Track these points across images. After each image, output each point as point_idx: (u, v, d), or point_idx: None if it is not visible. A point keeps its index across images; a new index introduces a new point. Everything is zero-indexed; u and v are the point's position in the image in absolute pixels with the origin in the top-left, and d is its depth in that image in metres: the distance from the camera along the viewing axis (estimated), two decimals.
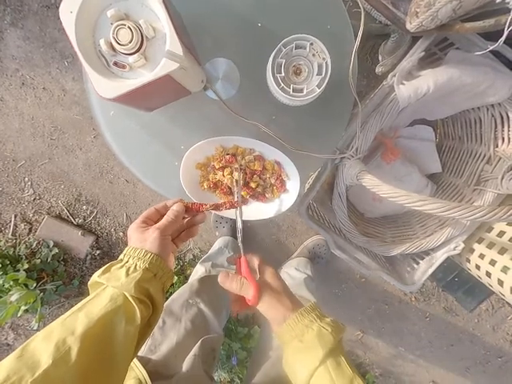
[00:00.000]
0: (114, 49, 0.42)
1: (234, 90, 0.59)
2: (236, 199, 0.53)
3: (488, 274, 0.61)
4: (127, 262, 0.41)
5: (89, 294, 0.40)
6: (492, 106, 0.61)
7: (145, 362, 0.57)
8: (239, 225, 0.51)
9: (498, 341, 1.36)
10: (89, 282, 0.41)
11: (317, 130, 0.61)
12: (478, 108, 0.64)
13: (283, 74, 0.46)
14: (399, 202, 0.50)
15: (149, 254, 0.41)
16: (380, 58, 0.81)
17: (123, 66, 0.43)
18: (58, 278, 1.17)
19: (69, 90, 1.14)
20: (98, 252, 1.22)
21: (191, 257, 1.26)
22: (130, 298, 0.38)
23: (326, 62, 0.46)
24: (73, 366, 0.31)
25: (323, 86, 0.46)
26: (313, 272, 1.17)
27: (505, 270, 0.58)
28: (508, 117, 0.59)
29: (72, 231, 1.20)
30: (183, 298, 0.77)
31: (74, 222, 1.23)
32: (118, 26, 0.41)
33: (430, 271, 0.67)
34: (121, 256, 0.43)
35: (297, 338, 0.40)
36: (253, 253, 0.50)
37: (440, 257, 0.66)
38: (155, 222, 0.47)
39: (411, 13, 0.48)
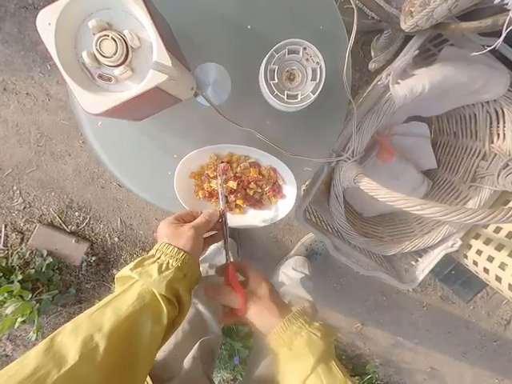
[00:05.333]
0: (97, 61, 0.40)
1: (226, 95, 0.57)
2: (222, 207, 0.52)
3: (486, 271, 0.62)
4: (159, 258, 0.40)
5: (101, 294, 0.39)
6: (487, 102, 0.60)
7: None
8: (226, 233, 0.50)
9: (492, 326, 1.40)
10: (116, 275, 0.40)
11: (312, 134, 0.60)
12: (473, 104, 0.64)
13: (276, 81, 0.45)
14: (397, 206, 0.49)
15: (181, 253, 0.40)
16: (372, 53, 0.79)
17: (109, 79, 0.41)
18: (54, 287, 1.16)
19: (53, 95, 1.10)
20: (93, 258, 1.21)
21: None
22: (158, 297, 0.37)
23: (320, 67, 0.44)
24: (99, 364, 0.31)
25: (318, 91, 0.44)
26: (310, 270, 1.17)
27: (503, 266, 0.58)
28: (503, 113, 0.59)
29: (65, 239, 1.17)
30: None
31: (67, 230, 1.20)
32: (100, 37, 0.38)
33: (429, 269, 0.67)
34: (152, 251, 0.42)
35: (286, 346, 0.39)
36: (245, 258, 0.50)
37: (438, 254, 0.67)
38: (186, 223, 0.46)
39: (405, 12, 0.46)
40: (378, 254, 0.73)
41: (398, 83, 0.56)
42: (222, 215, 0.50)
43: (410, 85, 0.55)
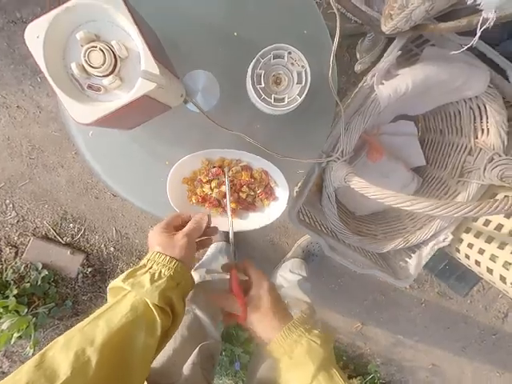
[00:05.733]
0: (86, 72, 0.41)
1: (215, 101, 0.58)
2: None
3: (477, 263, 0.63)
4: (151, 267, 0.40)
5: (102, 302, 0.39)
6: (470, 99, 0.62)
7: None
8: (231, 237, 0.50)
9: (490, 319, 1.41)
10: (108, 286, 0.40)
11: (301, 136, 0.61)
12: (457, 102, 0.65)
13: (263, 85, 0.46)
14: (387, 203, 0.50)
15: (174, 262, 0.40)
16: (358, 55, 0.81)
17: (98, 89, 0.41)
18: (50, 300, 1.14)
19: (44, 107, 1.10)
20: (89, 270, 1.20)
21: None
22: (152, 307, 0.37)
23: (306, 70, 0.45)
24: (91, 378, 0.31)
25: (304, 94, 0.45)
26: (307, 272, 1.18)
27: (493, 258, 0.59)
28: (486, 108, 0.60)
29: (60, 251, 1.16)
30: None
31: (62, 242, 1.19)
32: (88, 48, 0.39)
33: (422, 264, 0.68)
34: (143, 261, 0.42)
35: (286, 355, 0.39)
36: (246, 258, 0.50)
37: (430, 249, 0.68)
38: (177, 227, 0.46)
39: (385, 15, 0.48)
40: (373, 252, 0.74)
41: (383, 84, 0.57)
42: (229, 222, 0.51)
43: (394, 85, 0.56)
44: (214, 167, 0.56)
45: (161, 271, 0.40)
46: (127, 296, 0.37)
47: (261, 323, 0.42)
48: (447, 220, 0.64)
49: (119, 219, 1.21)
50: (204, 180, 0.56)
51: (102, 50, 0.39)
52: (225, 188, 0.56)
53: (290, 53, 0.46)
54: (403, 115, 0.76)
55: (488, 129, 0.62)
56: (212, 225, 0.55)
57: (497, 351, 1.46)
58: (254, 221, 0.59)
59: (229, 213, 0.53)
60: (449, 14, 0.50)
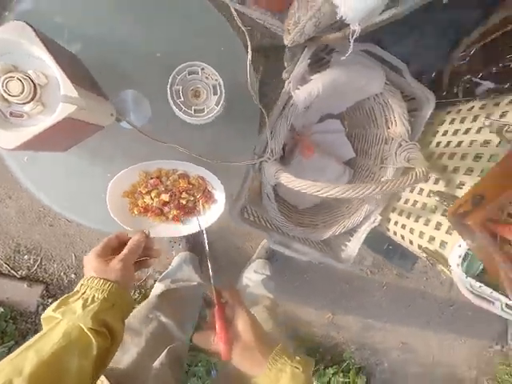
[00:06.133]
0: (7, 100, 0.43)
1: (147, 117, 0.62)
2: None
3: (402, 237, 0.71)
4: (84, 293, 0.41)
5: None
6: (376, 95, 0.71)
7: (109, 375, 0.56)
8: (209, 265, 0.50)
9: (446, 292, 1.54)
10: (42, 316, 0.41)
11: (234, 141, 0.67)
12: (368, 98, 0.75)
13: (182, 99, 0.51)
14: (309, 192, 0.57)
15: (108, 284, 0.41)
16: (285, 64, 0.89)
17: (20, 115, 0.44)
18: (9, 338, 1.09)
19: None
20: (50, 300, 1.16)
21: (152, 282, 1.25)
22: (86, 331, 0.38)
23: (219, 83, 0.51)
24: None
25: (220, 103, 0.51)
26: (271, 271, 1.23)
27: (411, 231, 0.68)
28: (389, 103, 0.70)
29: (16, 285, 1.12)
30: (142, 313, 0.78)
31: (18, 275, 1.15)
32: (6, 78, 0.42)
33: (359, 245, 0.76)
34: (77, 287, 0.42)
35: None
36: (232, 287, 0.49)
37: (364, 231, 0.75)
38: (114, 249, 0.47)
39: (285, 30, 0.55)
40: (318, 241, 0.80)
41: (298, 89, 0.65)
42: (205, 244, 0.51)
43: (308, 89, 0.64)
44: (152, 178, 0.60)
45: (94, 295, 0.41)
46: (60, 323, 0.38)
47: (246, 360, 0.43)
48: (373, 203, 0.73)
49: (77, 244, 1.19)
50: (144, 191, 0.60)
51: (20, 80, 0.42)
52: (164, 196, 0.59)
53: (203, 68, 0.51)
54: (329, 114, 0.84)
55: (395, 120, 0.71)
56: (156, 232, 0.58)
57: (456, 321, 1.58)
58: (197, 224, 0.63)
59: (206, 244, 0.54)
60: (340, 26, 0.59)
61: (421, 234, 0.64)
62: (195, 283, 1.06)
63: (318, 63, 0.74)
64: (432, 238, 0.61)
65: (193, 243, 1.23)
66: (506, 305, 0.51)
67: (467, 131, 0.66)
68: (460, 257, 0.47)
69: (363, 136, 0.85)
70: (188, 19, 0.62)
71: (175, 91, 0.51)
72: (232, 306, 0.46)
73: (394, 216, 0.76)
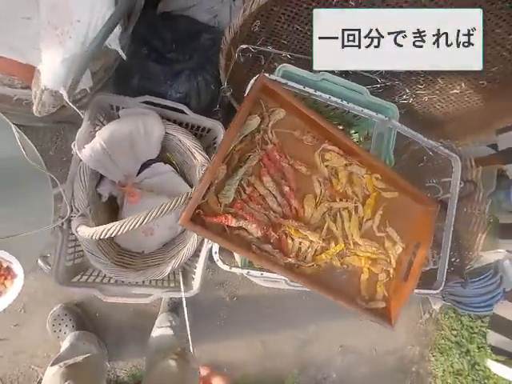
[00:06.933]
0: None
1: None
2: None
3: None
4: None
5: None
6: (172, 135, 0.81)
7: None
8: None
9: None
10: None
11: (29, 213, 0.68)
12: (170, 139, 0.84)
13: None
14: (108, 235, 0.60)
15: None
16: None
17: None
18: None
19: None
20: None
21: None
22: None
23: None
24: None
25: None
26: (177, 319, 1.19)
27: None
28: (182, 140, 0.80)
29: None
30: None
31: None
32: None
33: (203, 270, 0.79)
34: None
35: None
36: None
37: (203, 256, 0.79)
38: None
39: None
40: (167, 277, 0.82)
41: (84, 148, 0.70)
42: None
43: (92, 145, 0.70)
44: None
45: None
46: None
47: None
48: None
49: None
50: None
51: None
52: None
53: None
54: (151, 160, 0.91)
55: (192, 152, 0.81)
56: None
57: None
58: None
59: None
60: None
61: None
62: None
63: (110, 120, 0.82)
64: None
65: (81, 324, 1.14)
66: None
67: None
68: (216, 253, 0.53)
69: (191, 169, 0.94)
70: None
71: None
72: None
73: None
